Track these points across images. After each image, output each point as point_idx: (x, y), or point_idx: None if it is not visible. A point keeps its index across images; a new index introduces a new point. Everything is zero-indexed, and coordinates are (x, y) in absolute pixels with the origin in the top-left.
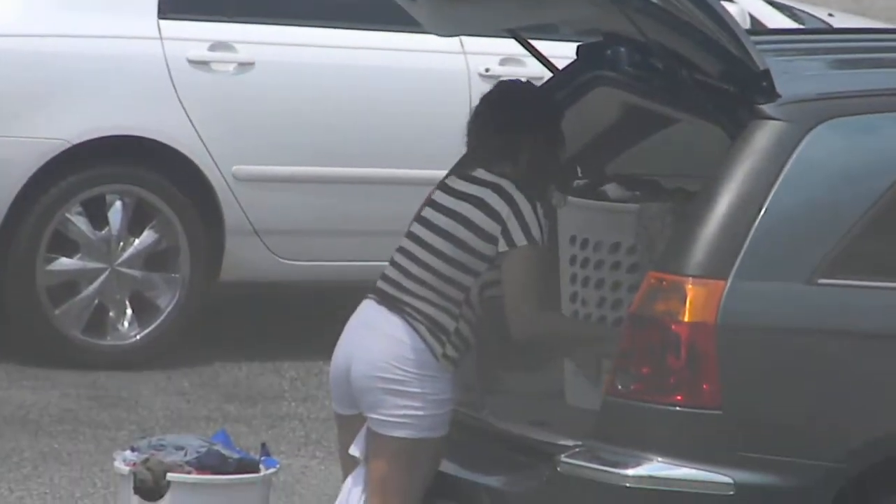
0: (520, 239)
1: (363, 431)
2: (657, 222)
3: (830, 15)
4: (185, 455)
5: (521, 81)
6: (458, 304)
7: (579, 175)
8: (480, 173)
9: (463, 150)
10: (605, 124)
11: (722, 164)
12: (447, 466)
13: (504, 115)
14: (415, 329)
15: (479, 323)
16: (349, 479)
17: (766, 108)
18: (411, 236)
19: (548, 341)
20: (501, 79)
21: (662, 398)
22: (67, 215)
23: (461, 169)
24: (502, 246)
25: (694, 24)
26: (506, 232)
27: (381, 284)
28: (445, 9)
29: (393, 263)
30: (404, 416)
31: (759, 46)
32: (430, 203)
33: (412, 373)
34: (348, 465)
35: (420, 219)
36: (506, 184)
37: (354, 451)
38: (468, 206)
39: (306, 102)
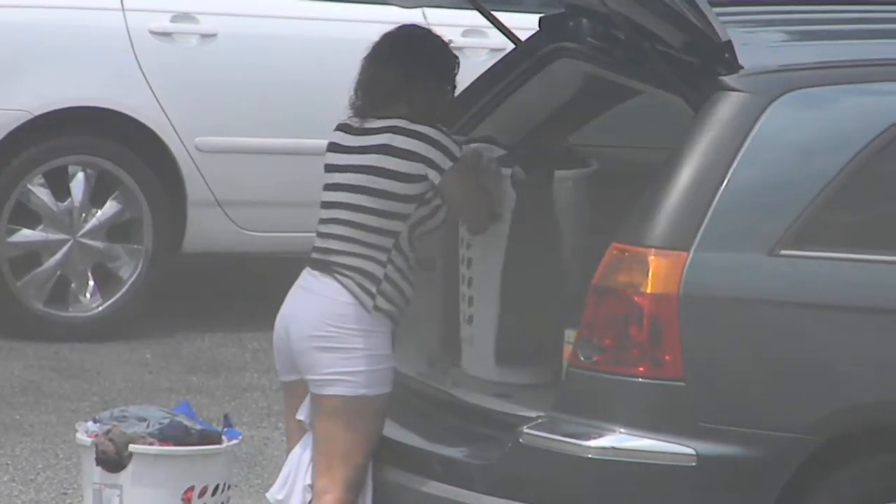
0: (445, 163)
1: (309, 397)
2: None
3: None
4: (148, 426)
5: (419, 26)
6: (385, 251)
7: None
8: (373, 122)
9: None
10: (567, 96)
11: (684, 135)
12: (405, 436)
13: (405, 53)
14: (343, 285)
15: (410, 270)
16: (297, 446)
17: (729, 80)
18: (327, 204)
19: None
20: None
21: (625, 369)
22: (29, 186)
23: (349, 126)
24: (434, 177)
25: None
26: (432, 163)
27: (313, 255)
28: None
29: (319, 234)
30: (339, 373)
31: (721, 17)
32: (332, 168)
33: (344, 329)
34: (293, 434)
35: (329, 186)
36: (402, 122)
37: (301, 415)
38: (375, 156)
39: (269, 74)
